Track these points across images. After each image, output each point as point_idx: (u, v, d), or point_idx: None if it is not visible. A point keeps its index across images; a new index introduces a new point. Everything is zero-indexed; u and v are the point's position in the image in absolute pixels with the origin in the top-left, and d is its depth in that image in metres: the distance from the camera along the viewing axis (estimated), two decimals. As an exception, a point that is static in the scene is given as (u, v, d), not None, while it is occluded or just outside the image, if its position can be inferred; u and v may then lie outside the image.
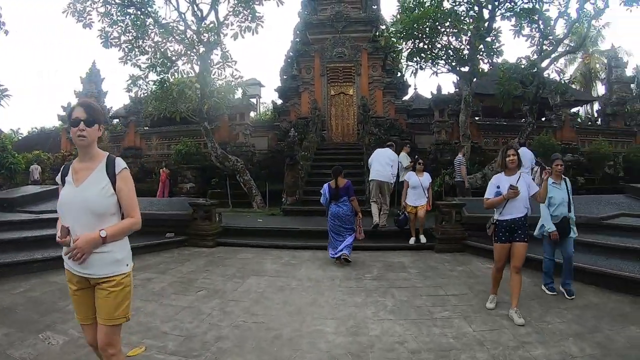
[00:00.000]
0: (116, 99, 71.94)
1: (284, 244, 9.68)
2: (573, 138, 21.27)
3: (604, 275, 6.27)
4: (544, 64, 14.39)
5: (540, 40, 14.17)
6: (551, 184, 5.92)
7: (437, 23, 12.67)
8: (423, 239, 9.56)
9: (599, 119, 26.85)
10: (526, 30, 14.10)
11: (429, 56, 13.62)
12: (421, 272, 7.48)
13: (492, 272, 5.61)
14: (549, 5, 13.73)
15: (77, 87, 28.16)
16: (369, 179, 11.04)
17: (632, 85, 26.10)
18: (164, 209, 11.09)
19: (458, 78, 18.88)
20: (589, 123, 26.30)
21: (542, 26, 13.89)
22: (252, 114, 23.15)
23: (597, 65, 36.63)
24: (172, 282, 6.79)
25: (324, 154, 17.84)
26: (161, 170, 18.70)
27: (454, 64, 13.99)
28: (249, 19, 15.51)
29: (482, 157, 18.11)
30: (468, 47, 14.12)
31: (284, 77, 22.82)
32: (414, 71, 14.02)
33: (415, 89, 28.10)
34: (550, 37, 14.23)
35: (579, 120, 24.53)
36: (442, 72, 14.55)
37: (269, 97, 53.68)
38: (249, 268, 7.80)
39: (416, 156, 9.64)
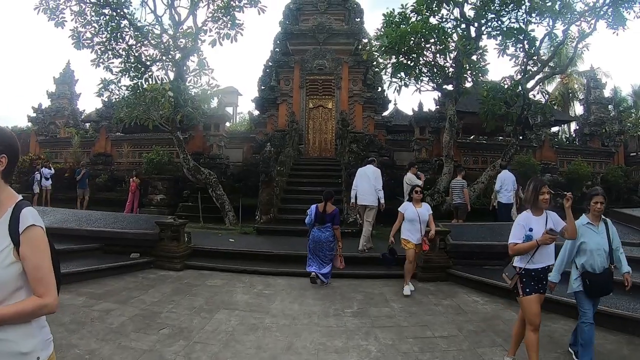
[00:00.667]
0: (90, 102, 69.79)
1: (257, 269, 9.00)
2: (552, 158, 21.30)
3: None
4: (529, 85, 14.29)
5: (525, 60, 14.04)
6: (585, 224, 4.74)
7: (423, 39, 12.29)
8: (411, 288, 7.87)
9: (577, 139, 27.17)
10: (510, 50, 13.91)
11: (414, 73, 13.21)
12: (405, 307, 6.93)
13: (515, 328, 4.74)
14: (537, 26, 13.57)
15: (50, 87, 27.03)
16: (353, 201, 10.54)
17: (610, 106, 26.44)
18: (129, 226, 10.32)
19: (440, 95, 18.68)
20: (567, 143, 26.56)
21: (526, 46, 13.73)
22: (227, 124, 22.44)
23: (576, 86, 37.13)
24: (134, 316, 6.09)
25: (301, 169, 17.26)
26: (131, 179, 17.86)
27: (439, 81, 13.63)
28: (229, 25, 15.02)
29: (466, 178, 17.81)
30: (453, 65, 13.82)
31: (262, 87, 22.17)
32: (397, 88, 13.57)
33: (395, 104, 27.93)
34: (535, 58, 14.14)
35: (556, 140, 24.71)
36: (426, 90, 14.20)
37: (247, 106, 52.77)
38: (218, 299, 7.12)
39: (416, 187, 8.22)
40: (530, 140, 21.64)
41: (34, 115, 25.53)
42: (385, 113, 23.10)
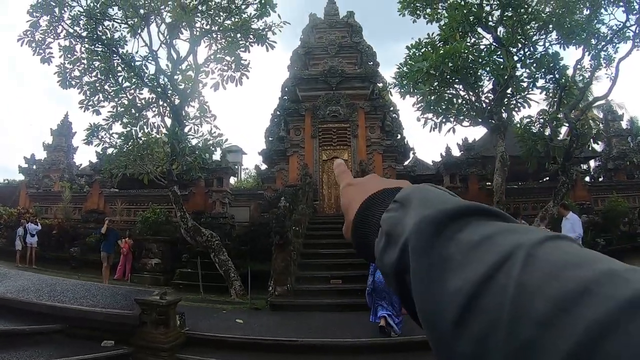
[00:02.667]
0: (87, 156, 68.60)
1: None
2: (586, 197, 19.21)
3: None
4: (572, 114, 12.47)
5: (557, 91, 12.56)
6: None
7: (469, 63, 10.27)
8: None
9: (601, 175, 25.61)
10: (540, 82, 12.19)
11: (456, 103, 11.14)
12: None
13: None
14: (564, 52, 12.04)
15: (48, 138, 26.17)
16: None
17: (628, 138, 25.11)
18: (103, 302, 7.73)
19: (463, 140, 16.66)
20: (600, 179, 24.66)
21: (557, 76, 11.94)
22: (232, 180, 20.25)
23: (591, 121, 35.46)
24: None
25: (317, 228, 14.87)
26: (123, 240, 15.55)
27: (485, 114, 11.50)
28: (233, 67, 13.27)
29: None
30: (491, 95, 11.86)
31: (270, 138, 20.13)
32: (434, 126, 11.38)
33: (413, 153, 25.78)
34: (567, 88, 12.61)
35: (587, 178, 22.85)
36: (466, 126, 12.07)
37: (251, 165, 51.08)
38: None
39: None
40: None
41: (26, 166, 24.10)
42: (406, 162, 20.88)
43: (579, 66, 13.32)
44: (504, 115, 12.60)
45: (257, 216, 17.64)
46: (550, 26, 12.36)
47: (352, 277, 10.75)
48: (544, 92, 13.12)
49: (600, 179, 24.79)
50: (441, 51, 9.78)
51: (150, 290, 8.18)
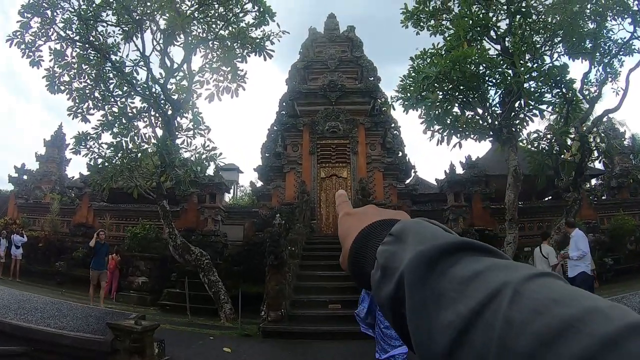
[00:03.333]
0: (80, 168, 67.43)
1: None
2: (592, 216, 18.50)
3: None
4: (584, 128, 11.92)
5: (565, 105, 11.90)
6: None
7: (479, 70, 9.62)
8: None
9: (604, 194, 25.14)
10: (547, 97, 11.63)
11: (461, 118, 10.42)
12: None
13: None
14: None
15: (42, 149, 25.15)
16: None
17: (630, 156, 24.83)
18: (72, 325, 6.83)
19: (466, 158, 15.97)
20: (603, 197, 24.10)
21: (564, 90, 11.42)
22: (227, 196, 19.45)
23: (591, 139, 35.01)
24: None
25: (314, 249, 14.01)
26: (111, 256, 14.58)
27: (495, 125, 10.77)
28: (229, 78, 12.68)
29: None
30: (498, 108, 11.26)
31: (266, 154, 19.37)
32: (441, 139, 10.64)
33: (414, 172, 25.02)
34: (574, 103, 12.02)
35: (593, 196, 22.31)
36: (473, 139, 11.37)
37: (247, 182, 50.13)
38: None
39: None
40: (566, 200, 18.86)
41: (16, 175, 23.41)
42: (408, 181, 20.11)
43: (585, 79, 12.89)
44: (514, 129, 11.98)
45: (251, 235, 16.77)
46: (559, 38, 11.83)
47: (352, 302, 9.92)
48: (550, 107, 12.46)
49: (603, 197, 24.38)
50: (451, 56, 9.06)
51: (127, 313, 7.30)
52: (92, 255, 12.72)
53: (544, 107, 11.18)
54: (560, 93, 11.61)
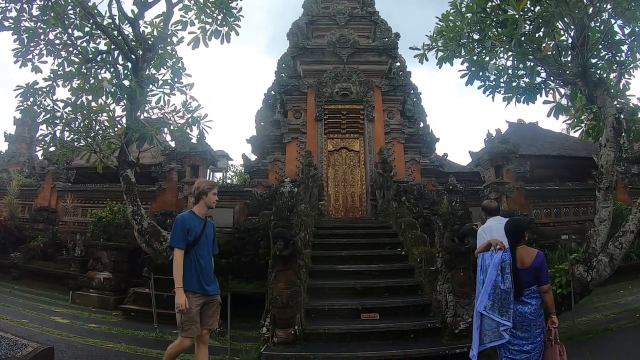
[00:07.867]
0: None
1: None
2: (627, 201, 15.59)
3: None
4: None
5: None
6: None
7: None
8: None
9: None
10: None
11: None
12: None
13: None
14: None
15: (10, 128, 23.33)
16: None
17: None
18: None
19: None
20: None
21: None
22: (217, 175, 16.15)
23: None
24: None
25: (327, 235, 10.74)
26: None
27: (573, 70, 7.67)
28: (218, 21, 9.51)
29: (534, 234, 11.84)
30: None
31: (262, 123, 16.08)
32: (491, 93, 7.58)
33: (434, 149, 21.91)
34: None
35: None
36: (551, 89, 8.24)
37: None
38: None
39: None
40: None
41: None
42: (432, 155, 16.92)
43: None
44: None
45: (243, 220, 13.46)
46: None
47: (396, 309, 6.80)
48: None
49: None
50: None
51: (21, 342, 4.01)
52: None
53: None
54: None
